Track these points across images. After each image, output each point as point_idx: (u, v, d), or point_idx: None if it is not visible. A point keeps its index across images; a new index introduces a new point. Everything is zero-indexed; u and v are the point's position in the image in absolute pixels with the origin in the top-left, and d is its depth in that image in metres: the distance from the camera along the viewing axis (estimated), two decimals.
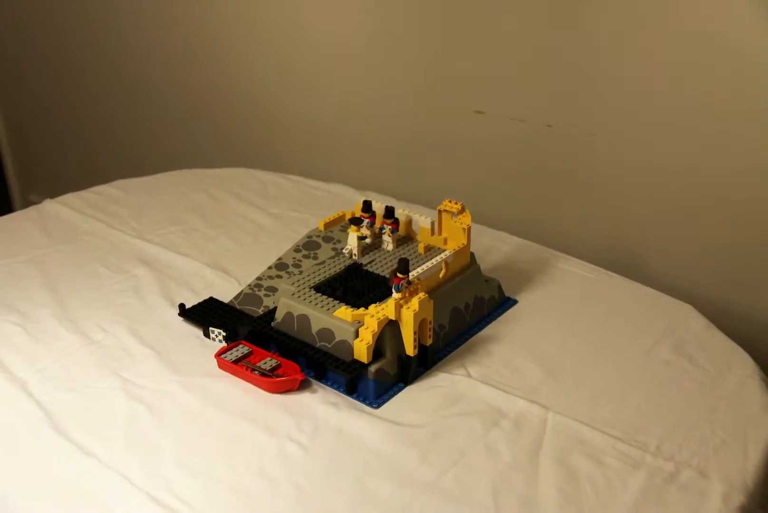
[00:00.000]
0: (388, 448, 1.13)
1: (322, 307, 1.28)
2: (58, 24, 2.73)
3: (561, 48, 1.68)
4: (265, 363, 1.26)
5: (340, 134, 2.13)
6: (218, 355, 1.28)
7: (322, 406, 1.20)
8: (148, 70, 2.53)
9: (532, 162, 1.82)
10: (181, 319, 1.41)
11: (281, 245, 1.60)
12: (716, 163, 1.57)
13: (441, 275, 1.33)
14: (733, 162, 1.55)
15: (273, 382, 1.22)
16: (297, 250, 1.48)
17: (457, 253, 1.35)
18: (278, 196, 1.87)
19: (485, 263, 1.50)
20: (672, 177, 1.64)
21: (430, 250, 1.42)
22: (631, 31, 1.58)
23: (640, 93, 1.62)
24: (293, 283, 1.33)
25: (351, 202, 1.69)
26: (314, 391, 1.24)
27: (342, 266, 1.39)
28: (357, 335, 1.23)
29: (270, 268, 1.45)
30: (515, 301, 1.47)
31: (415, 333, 1.22)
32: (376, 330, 1.21)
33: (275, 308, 1.33)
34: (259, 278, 1.43)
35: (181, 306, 1.41)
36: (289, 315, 1.30)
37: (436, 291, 1.31)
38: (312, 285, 1.33)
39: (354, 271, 1.39)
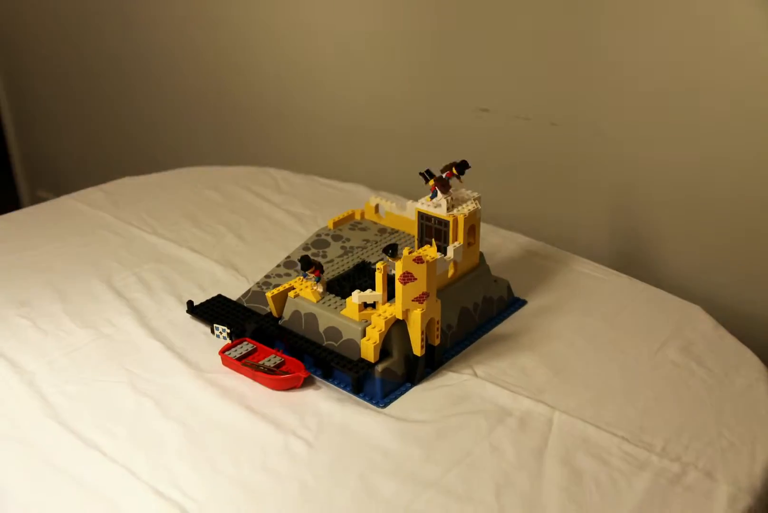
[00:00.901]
0: (392, 445, 1.13)
1: (330, 305, 1.28)
2: (66, 21, 2.74)
3: (566, 46, 1.68)
4: (270, 360, 1.26)
5: (346, 133, 2.14)
6: (222, 351, 1.28)
7: (327, 403, 1.20)
8: (159, 68, 2.54)
9: (537, 160, 1.82)
10: (189, 315, 1.41)
11: (291, 243, 1.60)
12: (725, 161, 1.57)
13: (449, 275, 1.33)
14: (742, 161, 1.55)
15: (276, 379, 1.23)
16: (306, 248, 1.48)
17: (465, 253, 1.35)
18: (290, 194, 1.87)
19: (494, 263, 1.49)
20: (680, 176, 1.63)
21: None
22: (637, 29, 1.58)
23: (645, 91, 1.61)
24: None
25: (363, 201, 1.69)
26: (320, 388, 1.24)
27: (350, 265, 1.40)
28: (364, 334, 1.23)
29: (279, 266, 1.46)
30: (524, 302, 1.46)
31: (422, 333, 1.22)
32: (383, 329, 1.21)
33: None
34: (267, 276, 1.44)
35: (189, 303, 1.42)
36: (296, 313, 1.30)
37: (444, 290, 1.30)
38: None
39: (362, 269, 1.39)
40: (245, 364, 1.25)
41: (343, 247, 1.47)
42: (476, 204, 1.35)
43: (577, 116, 1.72)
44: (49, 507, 1.04)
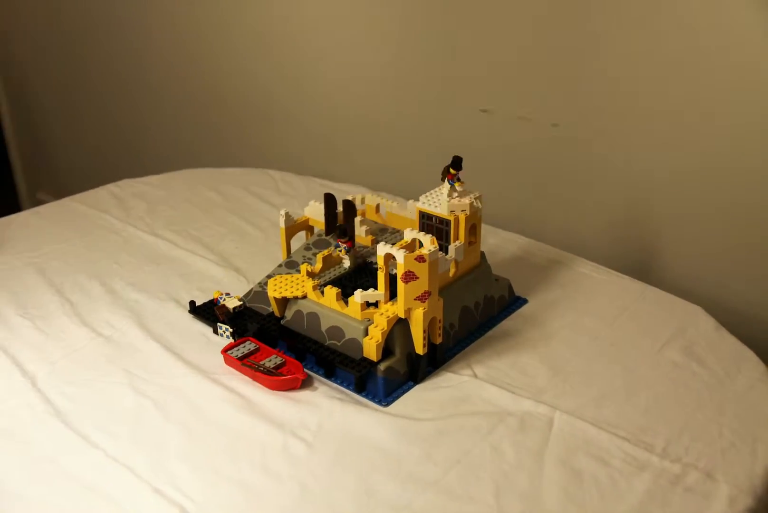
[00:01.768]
0: (392, 445, 1.13)
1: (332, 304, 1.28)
2: (65, 24, 2.74)
3: (568, 47, 1.67)
4: (270, 360, 1.26)
5: (346, 133, 2.14)
6: (225, 351, 1.28)
7: (327, 403, 1.20)
8: (158, 70, 2.54)
9: (537, 160, 1.82)
10: (189, 316, 1.42)
11: (292, 244, 1.60)
12: (726, 163, 1.56)
13: (451, 274, 1.33)
14: (744, 162, 1.54)
15: (275, 380, 1.23)
16: (307, 248, 1.47)
17: (467, 252, 1.35)
18: (290, 195, 1.87)
19: (495, 262, 1.49)
20: (681, 176, 1.63)
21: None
22: (639, 30, 1.57)
23: (647, 92, 1.61)
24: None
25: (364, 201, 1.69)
26: (319, 388, 1.24)
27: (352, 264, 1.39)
28: (367, 333, 1.23)
29: (280, 266, 1.45)
30: (525, 301, 1.47)
31: (424, 331, 1.22)
32: (385, 328, 1.21)
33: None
34: (269, 276, 1.43)
35: (192, 303, 1.42)
36: (298, 313, 1.30)
37: (445, 289, 1.30)
38: (322, 283, 1.33)
39: (363, 269, 1.39)
40: (245, 364, 1.25)
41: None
42: (478, 202, 1.34)
43: (578, 117, 1.72)
44: (50, 506, 1.04)
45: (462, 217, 1.32)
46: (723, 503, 1.03)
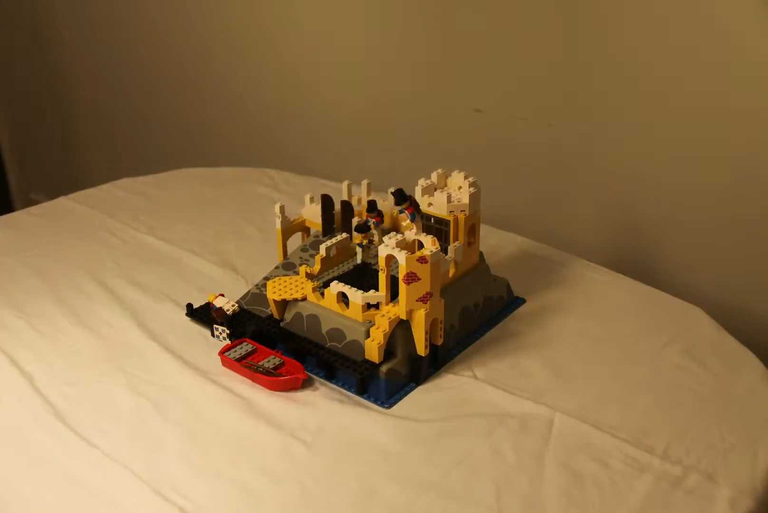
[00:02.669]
0: (392, 447, 1.12)
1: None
2: (60, 22, 2.73)
3: (561, 46, 1.68)
4: (269, 361, 1.26)
5: (344, 133, 2.13)
6: (222, 352, 1.28)
7: (326, 404, 1.20)
8: (155, 68, 2.53)
9: (533, 160, 1.82)
10: (193, 320, 1.41)
11: (290, 244, 1.59)
12: (726, 161, 1.57)
13: (450, 274, 1.33)
14: (741, 161, 1.55)
15: (275, 380, 1.23)
16: (304, 249, 1.47)
17: (466, 252, 1.35)
18: (289, 195, 1.87)
19: (492, 263, 1.49)
20: (680, 176, 1.63)
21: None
22: (633, 30, 1.58)
23: (640, 91, 1.62)
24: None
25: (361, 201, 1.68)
26: (320, 389, 1.24)
27: (350, 265, 1.39)
28: (368, 335, 1.22)
29: (277, 267, 1.45)
30: (523, 300, 1.47)
31: (426, 333, 1.22)
32: (387, 330, 1.21)
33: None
34: (266, 278, 1.43)
35: (189, 306, 1.42)
36: (298, 315, 1.30)
37: (445, 290, 1.30)
38: (321, 285, 1.33)
39: (362, 270, 1.38)
40: (244, 365, 1.25)
41: None
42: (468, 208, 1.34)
43: (573, 116, 1.72)
44: (49, 507, 1.04)
45: (461, 218, 1.32)
46: (724, 506, 1.03)
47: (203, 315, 1.40)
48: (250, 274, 1.54)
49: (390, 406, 1.21)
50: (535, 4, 1.68)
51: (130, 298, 1.47)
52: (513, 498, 1.04)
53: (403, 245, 1.20)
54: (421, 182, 1.35)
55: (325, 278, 1.35)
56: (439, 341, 1.26)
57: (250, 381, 1.25)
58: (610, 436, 1.14)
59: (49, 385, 1.25)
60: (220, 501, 1.04)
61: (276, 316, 1.34)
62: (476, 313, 1.38)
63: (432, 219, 1.35)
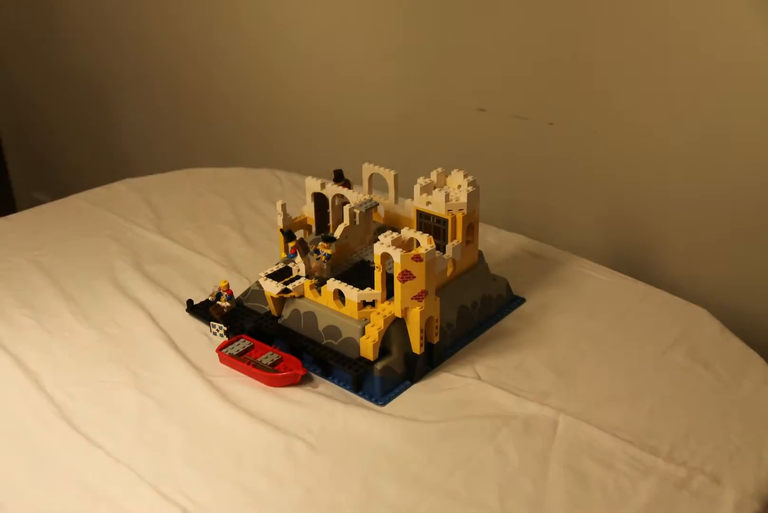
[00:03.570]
0: (396, 448, 1.12)
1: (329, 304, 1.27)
2: (62, 19, 2.72)
3: (563, 46, 1.68)
4: (267, 357, 1.26)
5: (345, 133, 2.13)
6: (219, 349, 1.28)
7: (329, 405, 1.20)
8: (156, 69, 2.52)
9: (535, 159, 1.82)
10: (193, 316, 1.41)
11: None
12: (726, 160, 1.56)
13: (448, 273, 1.32)
14: (743, 160, 1.54)
15: (274, 376, 1.22)
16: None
17: (464, 251, 1.33)
18: (296, 195, 1.85)
19: (493, 262, 1.48)
20: (678, 175, 1.63)
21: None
22: (634, 30, 1.58)
23: (641, 91, 1.62)
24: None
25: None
26: (323, 390, 1.24)
27: (349, 264, 1.38)
28: (363, 332, 1.22)
29: (277, 265, 1.43)
30: (523, 300, 1.45)
31: (421, 331, 1.21)
32: (382, 327, 1.21)
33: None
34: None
35: (189, 302, 1.42)
36: (295, 312, 1.30)
37: (443, 289, 1.29)
38: (319, 282, 1.31)
39: (361, 268, 1.37)
40: (243, 361, 1.25)
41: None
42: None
43: (574, 116, 1.72)
44: (53, 507, 1.04)
45: (459, 216, 1.31)
46: (729, 508, 1.02)
47: (203, 311, 1.40)
48: (254, 273, 1.52)
49: (384, 403, 1.20)
50: (537, 4, 1.68)
51: (136, 297, 1.47)
52: (517, 500, 1.03)
53: (398, 243, 1.20)
54: (420, 181, 1.35)
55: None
56: (435, 340, 1.25)
57: (254, 381, 1.25)
58: (615, 438, 1.13)
59: (54, 384, 1.25)
60: (224, 502, 1.04)
61: (274, 312, 1.34)
62: (474, 312, 1.37)
63: (431, 218, 1.34)
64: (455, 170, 1.35)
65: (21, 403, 1.21)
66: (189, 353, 1.32)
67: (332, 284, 1.25)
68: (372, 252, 1.39)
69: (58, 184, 3.07)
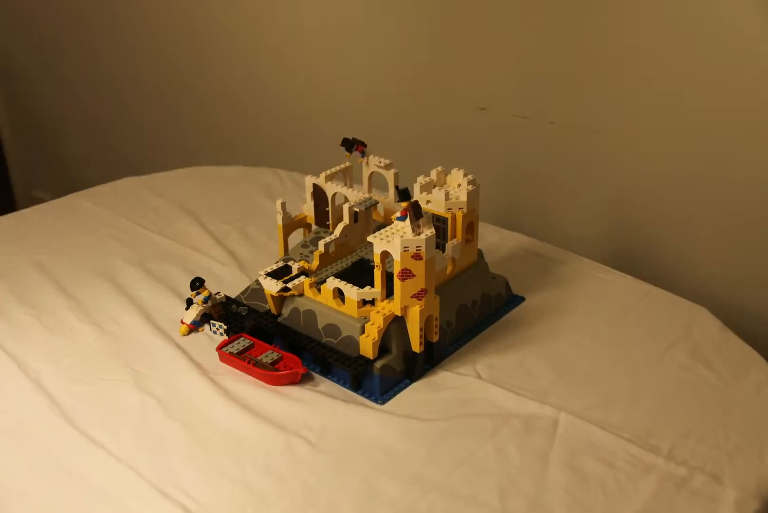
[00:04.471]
0: (396, 447, 1.12)
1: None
2: (63, 19, 2.72)
3: (564, 45, 1.68)
4: (267, 356, 1.26)
5: (346, 132, 2.12)
6: (219, 347, 1.28)
7: (330, 403, 1.20)
8: (158, 67, 2.52)
9: (535, 158, 1.82)
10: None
11: (293, 241, 1.58)
12: (726, 161, 1.56)
13: (448, 272, 1.32)
14: (744, 160, 1.54)
15: (274, 375, 1.22)
16: (304, 245, 1.46)
17: (464, 250, 1.33)
18: (297, 193, 1.85)
19: (492, 260, 1.48)
20: (679, 175, 1.63)
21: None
22: (634, 29, 1.58)
23: (642, 90, 1.62)
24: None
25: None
26: (323, 388, 1.24)
27: (349, 262, 1.38)
28: (363, 331, 1.22)
29: (277, 263, 1.43)
30: (523, 299, 1.45)
31: (421, 329, 1.21)
32: (382, 326, 1.21)
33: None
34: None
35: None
36: (295, 310, 1.30)
37: (442, 287, 1.29)
38: (319, 281, 1.32)
39: (361, 266, 1.37)
40: (243, 359, 1.25)
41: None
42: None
43: (575, 115, 1.72)
44: (54, 505, 1.04)
45: (459, 215, 1.31)
46: (730, 507, 1.02)
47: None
48: (254, 271, 1.53)
49: (384, 402, 1.20)
50: (538, 3, 1.67)
51: (137, 295, 1.47)
52: (517, 498, 1.03)
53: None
54: (420, 179, 1.35)
55: (323, 274, 1.34)
56: (435, 338, 1.25)
57: (254, 379, 1.24)
58: (615, 437, 1.13)
59: (55, 382, 1.25)
60: (224, 500, 1.04)
61: (273, 311, 1.34)
62: (474, 311, 1.36)
63: (431, 216, 1.34)
64: (455, 169, 1.35)
65: (21, 401, 1.21)
66: (189, 351, 1.32)
67: (332, 283, 1.25)
68: (371, 250, 1.40)
69: (58, 183, 3.07)
